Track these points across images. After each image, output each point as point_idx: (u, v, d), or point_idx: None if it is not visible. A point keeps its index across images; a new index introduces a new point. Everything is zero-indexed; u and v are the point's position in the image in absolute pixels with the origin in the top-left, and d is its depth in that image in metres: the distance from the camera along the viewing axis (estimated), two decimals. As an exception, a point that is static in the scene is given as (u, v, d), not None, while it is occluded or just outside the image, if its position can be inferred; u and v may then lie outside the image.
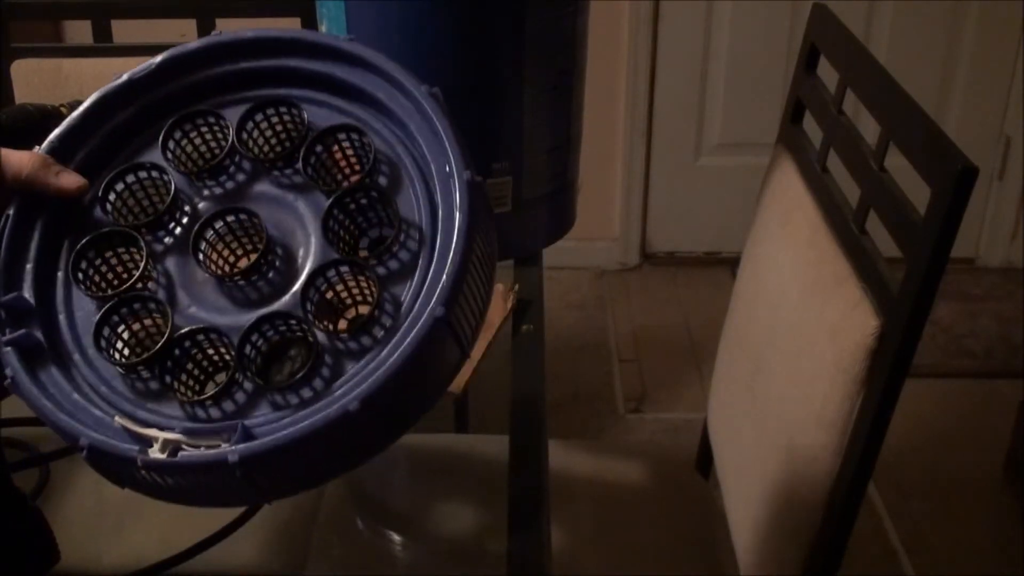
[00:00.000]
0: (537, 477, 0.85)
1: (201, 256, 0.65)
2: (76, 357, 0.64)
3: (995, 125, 2.72)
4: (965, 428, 2.25)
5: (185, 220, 0.67)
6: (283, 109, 0.69)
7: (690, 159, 2.79)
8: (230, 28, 0.72)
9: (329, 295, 0.64)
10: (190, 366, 0.63)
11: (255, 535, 0.85)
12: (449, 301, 0.60)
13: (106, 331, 0.63)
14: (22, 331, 0.63)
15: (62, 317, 0.65)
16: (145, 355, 0.62)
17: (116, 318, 0.64)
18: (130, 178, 0.68)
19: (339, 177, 0.68)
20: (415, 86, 0.67)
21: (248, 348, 0.62)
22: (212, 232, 0.66)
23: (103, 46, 1.49)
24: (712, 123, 2.75)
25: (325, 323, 0.63)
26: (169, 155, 0.68)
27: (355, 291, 0.65)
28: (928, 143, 0.87)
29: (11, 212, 0.66)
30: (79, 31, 2.40)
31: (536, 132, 1.06)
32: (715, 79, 2.69)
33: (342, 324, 0.64)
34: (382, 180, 0.66)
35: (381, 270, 0.64)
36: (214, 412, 0.61)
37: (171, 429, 0.60)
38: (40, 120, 0.76)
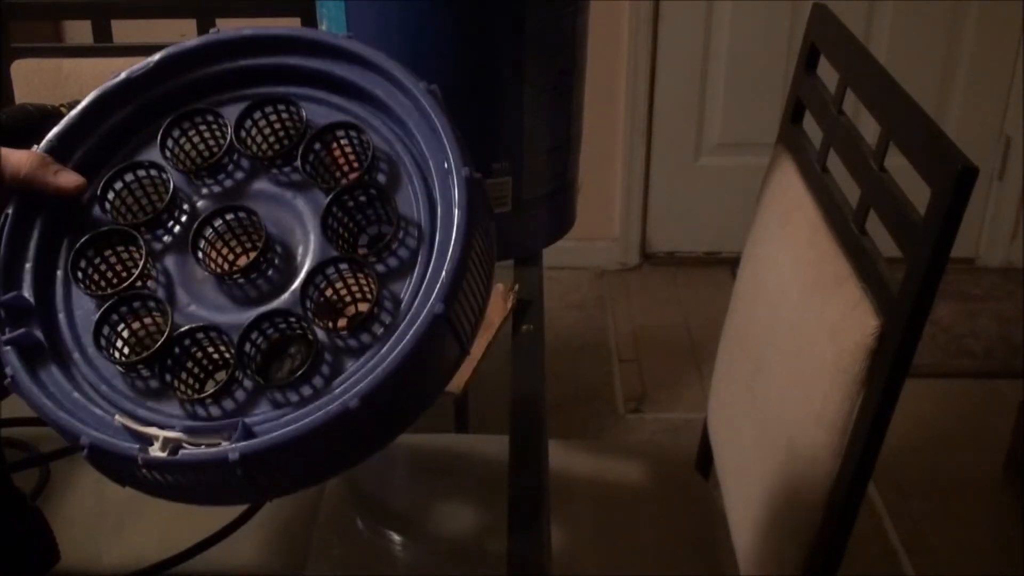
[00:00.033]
0: (537, 477, 0.85)
1: (200, 254, 0.65)
2: (76, 356, 0.64)
3: (995, 125, 2.72)
4: (965, 428, 2.25)
5: (184, 218, 0.67)
6: (281, 107, 0.69)
7: (690, 159, 2.79)
8: (229, 27, 0.72)
9: (328, 292, 0.64)
10: (190, 364, 0.63)
11: (255, 535, 0.85)
12: (449, 298, 0.60)
13: (106, 330, 0.63)
14: (22, 330, 0.63)
15: (62, 316, 0.65)
16: (145, 354, 0.62)
17: (116, 317, 0.64)
18: (129, 177, 0.68)
19: (338, 175, 0.68)
20: (413, 83, 0.67)
21: (248, 346, 0.62)
22: (211, 230, 0.66)
23: (103, 46, 1.49)
24: (712, 123, 2.75)
25: (325, 321, 0.63)
26: (168, 153, 0.68)
27: (354, 288, 0.65)
28: (928, 143, 0.87)
29: (10, 211, 0.66)
30: (79, 31, 2.40)
31: (536, 132, 1.06)
32: (715, 79, 2.69)
33: (342, 322, 0.64)
34: (381, 177, 0.66)
35: (380, 267, 0.64)
36: (214, 410, 0.61)
37: (171, 427, 0.60)
38: (40, 120, 0.76)
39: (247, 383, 0.62)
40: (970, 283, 2.75)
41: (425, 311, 0.60)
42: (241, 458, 0.57)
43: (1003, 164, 2.74)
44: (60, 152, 0.68)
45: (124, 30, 1.50)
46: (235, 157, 0.69)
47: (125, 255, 0.67)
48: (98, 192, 0.67)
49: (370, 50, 0.68)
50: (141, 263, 0.65)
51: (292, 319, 0.63)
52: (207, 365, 0.64)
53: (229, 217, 0.66)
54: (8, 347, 0.63)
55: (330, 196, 0.65)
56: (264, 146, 0.69)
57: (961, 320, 2.58)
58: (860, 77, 1.05)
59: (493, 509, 0.86)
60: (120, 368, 0.63)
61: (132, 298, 0.64)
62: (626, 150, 2.75)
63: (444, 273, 0.61)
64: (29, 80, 1.48)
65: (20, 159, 0.66)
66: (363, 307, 0.63)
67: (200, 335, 0.63)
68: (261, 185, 0.68)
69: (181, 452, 0.59)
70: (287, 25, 0.72)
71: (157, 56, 0.70)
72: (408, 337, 0.60)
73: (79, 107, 0.69)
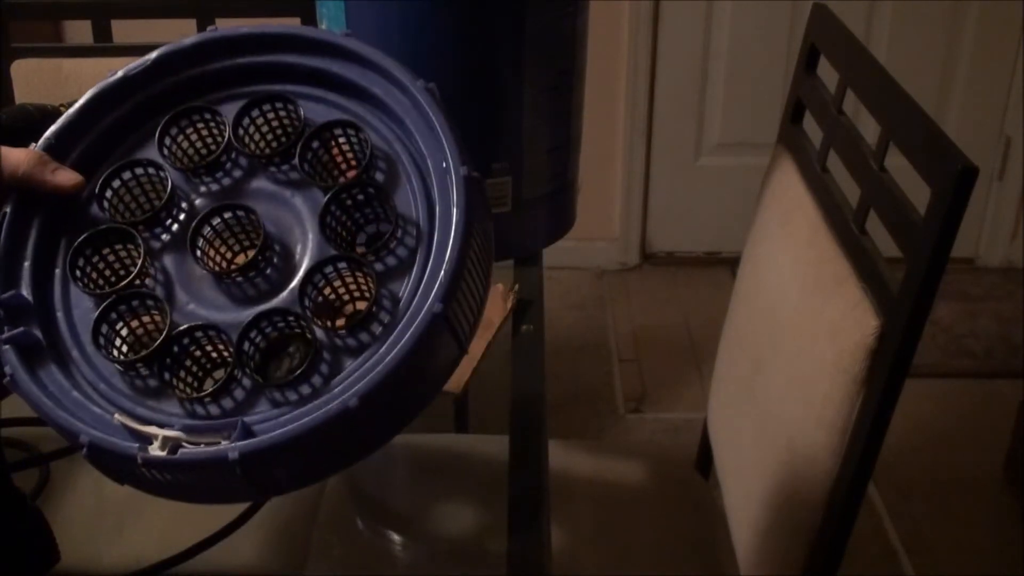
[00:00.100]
0: (537, 477, 0.85)
1: (199, 253, 0.65)
2: (75, 354, 0.64)
3: (995, 125, 2.72)
4: (965, 428, 2.25)
5: (182, 217, 0.67)
6: (279, 105, 0.69)
7: (690, 159, 2.79)
8: (227, 25, 0.72)
9: (327, 291, 0.64)
10: (189, 363, 0.63)
11: (255, 535, 0.85)
12: (447, 297, 0.60)
13: (104, 328, 0.63)
14: (20, 329, 0.63)
15: (60, 315, 0.65)
16: (144, 352, 0.62)
17: (114, 315, 0.64)
18: (127, 175, 0.68)
19: (336, 173, 0.68)
20: (411, 82, 0.66)
21: (247, 345, 0.62)
22: (209, 229, 0.66)
23: (103, 46, 1.49)
24: (712, 123, 2.75)
25: (323, 320, 0.63)
26: (165, 151, 0.68)
27: (353, 287, 0.65)
28: (928, 143, 0.87)
29: (8, 210, 0.66)
30: (79, 31, 2.40)
31: (536, 132, 1.06)
32: (715, 79, 2.69)
33: (340, 321, 0.64)
34: (379, 176, 0.66)
35: (379, 266, 0.63)
36: (213, 409, 0.61)
37: (170, 426, 0.60)
38: (40, 120, 0.76)
39: (246, 382, 0.62)
40: (970, 283, 2.75)
41: (424, 310, 0.60)
42: (240, 457, 0.57)
43: (1003, 164, 2.74)
44: (58, 150, 0.68)
45: (124, 30, 1.50)
46: (233, 155, 0.69)
47: (123, 253, 0.67)
48: (96, 190, 0.67)
49: (368, 48, 0.68)
50: (139, 261, 0.65)
51: (291, 318, 0.63)
52: (206, 364, 0.64)
53: (227, 215, 0.66)
54: (7, 346, 0.62)
55: (328, 194, 0.65)
56: (262, 144, 0.69)
57: (961, 320, 2.58)
58: (860, 77, 1.05)
59: (493, 509, 0.86)
60: (119, 367, 0.63)
61: (131, 296, 0.64)
62: (626, 150, 2.75)
63: (443, 272, 0.61)
64: (29, 80, 1.47)
65: (18, 157, 0.66)
66: (361, 306, 0.63)
67: (199, 334, 0.63)
68: (259, 183, 0.68)
69: (180, 451, 0.59)
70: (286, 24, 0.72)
71: (155, 54, 0.70)
72: (407, 336, 0.59)
73: (77, 105, 0.69)
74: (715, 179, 2.79)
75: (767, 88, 2.64)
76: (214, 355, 0.64)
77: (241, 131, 0.68)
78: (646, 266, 2.89)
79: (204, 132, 0.69)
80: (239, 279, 0.65)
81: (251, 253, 0.64)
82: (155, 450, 0.59)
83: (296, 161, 0.66)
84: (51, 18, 2.28)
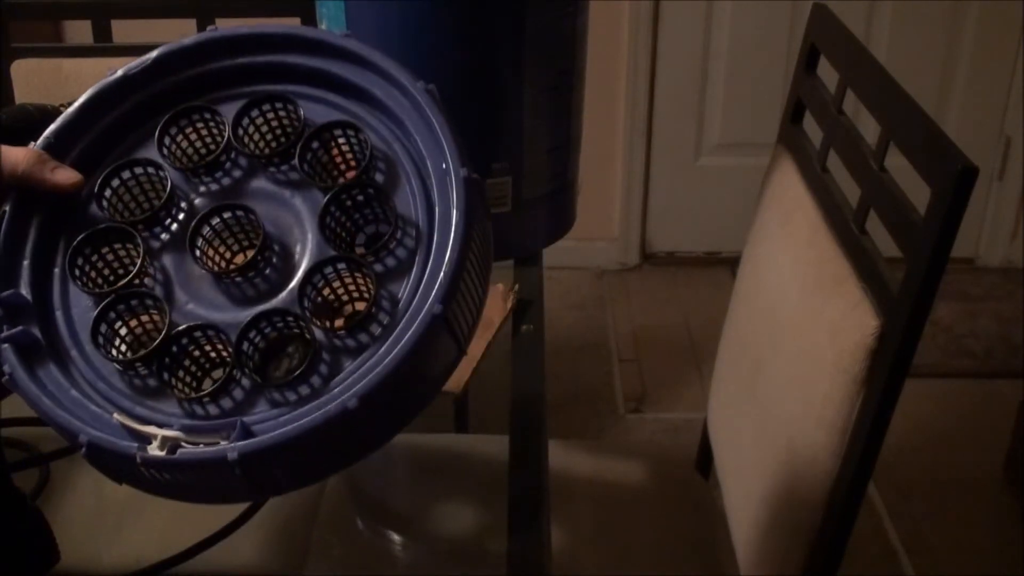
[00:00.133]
0: (537, 477, 0.85)
1: (198, 252, 0.65)
2: (74, 354, 0.64)
3: (995, 125, 2.72)
4: (965, 428, 2.25)
5: (182, 216, 0.67)
6: (279, 105, 0.68)
7: (690, 159, 2.79)
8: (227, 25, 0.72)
9: (326, 292, 0.64)
10: (188, 363, 0.63)
11: (255, 535, 0.85)
12: (447, 298, 0.60)
13: (103, 328, 0.63)
14: (19, 328, 0.63)
15: (59, 314, 0.65)
16: (143, 352, 0.62)
17: (113, 315, 0.64)
18: (126, 174, 0.68)
19: (335, 174, 0.68)
20: (411, 82, 0.66)
21: (246, 345, 0.62)
22: (209, 229, 0.66)
23: (103, 46, 1.49)
24: (712, 123, 2.75)
25: (323, 320, 0.63)
26: (165, 151, 0.68)
27: (352, 288, 0.65)
28: (928, 143, 0.87)
29: (7, 209, 0.66)
30: (79, 31, 2.40)
31: (536, 132, 1.06)
32: (715, 79, 2.69)
33: (339, 321, 0.64)
34: (379, 177, 0.66)
35: (378, 267, 0.63)
36: (212, 409, 0.61)
37: (170, 426, 0.60)
38: (40, 120, 0.76)
39: (245, 382, 0.62)
40: (970, 283, 2.75)
41: (423, 311, 0.60)
42: (240, 457, 0.57)
43: (1003, 164, 2.74)
44: (57, 149, 0.68)
45: (124, 30, 1.50)
46: (233, 155, 0.69)
47: (123, 253, 0.67)
48: (96, 189, 0.67)
49: (368, 49, 0.68)
50: (139, 261, 0.65)
51: (290, 318, 0.63)
52: (205, 364, 0.64)
53: (227, 215, 0.66)
54: (6, 345, 0.62)
55: (328, 195, 0.65)
56: (262, 144, 0.69)
57: (961, 320, 2.58)
58: (860, 77, 1.05)
59: (493, 509, 0.86)
60: (118, 366, 0.63)
61: (130, 296, 0.64)
62: (626, 150, 2.75)
63: (442, 274, 0.61)
64: (29, 80, 1.47)
65: (18, 156, 0.66)
66: (361, 307, 0.63)
67: (198, 334, 0.63)
68: (259, 183, 0.68)
69: (179, 451, 0.59)
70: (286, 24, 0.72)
71: (154, 53, 0.70)
72: (406, 337, 0.59)
73: (76, 104, 0.69)
74: (715, 179, 2.79)
75: (767, 88, 2.64)
76: (213, 355, 0.64)
77: (241, 131, 0.68)
78: (646, 266, 2.89)
79: (204, 132, 0.69)
80: (238, 279, 0.65)
81: (250, 253, 0.64)
82: (154, 450, 0.59)
83: (296, 161, 0.66)
84: (51, 18, 2.28)
